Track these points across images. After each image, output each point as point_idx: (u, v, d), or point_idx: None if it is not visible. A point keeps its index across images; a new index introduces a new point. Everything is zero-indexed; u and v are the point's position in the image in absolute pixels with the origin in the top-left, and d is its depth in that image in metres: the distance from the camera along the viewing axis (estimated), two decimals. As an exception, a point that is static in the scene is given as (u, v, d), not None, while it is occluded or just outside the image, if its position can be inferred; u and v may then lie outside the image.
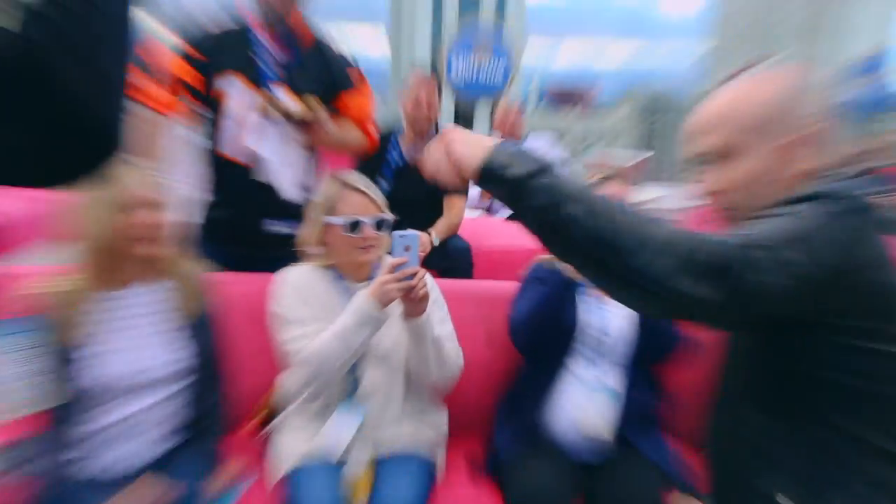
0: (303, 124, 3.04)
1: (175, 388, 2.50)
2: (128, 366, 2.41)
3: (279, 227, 3.16)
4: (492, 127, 6.19)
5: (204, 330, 2.57)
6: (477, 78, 7.55)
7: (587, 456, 2.64)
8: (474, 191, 5.33)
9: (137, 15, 1.07)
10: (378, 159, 3.99)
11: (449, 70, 7.46)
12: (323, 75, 3.18)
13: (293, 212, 3.02)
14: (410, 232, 2.34)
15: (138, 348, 2.45)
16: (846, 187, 1.45)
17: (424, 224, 3.92)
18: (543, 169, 1.36)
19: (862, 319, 1.43)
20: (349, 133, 3.25)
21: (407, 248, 2.31)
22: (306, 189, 3.19)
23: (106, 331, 2.41)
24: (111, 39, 1.04)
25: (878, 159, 6.59)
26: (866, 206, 1.43)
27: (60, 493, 2.22)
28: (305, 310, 2.54)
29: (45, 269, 2.72)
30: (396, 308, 2.45)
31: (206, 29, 3.14)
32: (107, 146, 1.09)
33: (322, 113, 3.04)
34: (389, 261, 2.32)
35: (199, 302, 2.53)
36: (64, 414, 2.34)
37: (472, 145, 1.45)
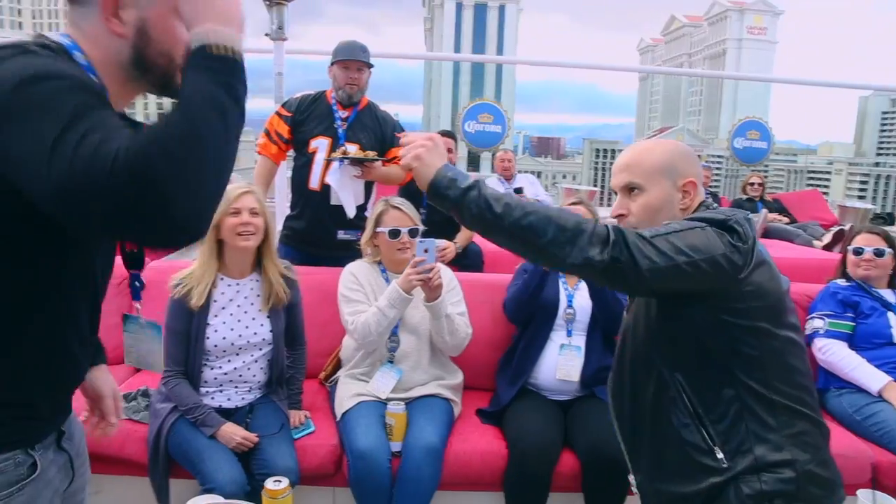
0: (362, 166, 3.16)
1: (268, 350, 2.46)
2: (233, 333, 2.39)
3: (346, 236, 3.24)
4: (493, 167, 6.20)
5: (289, 309, 2.51)
6: (482, 134, 7.54)
7: (562, 397, 2.61)
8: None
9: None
10: (418, 191, 3.99)
11: (463, 129, 7.47)
12: (375, 128, 3.32)
13: (355, 225, 3.19)
14: (429, 239, 2.40)
15: (241, 321, 2.40)
16: (718, 214, 1.42)
17: (450, 236, 4.03)
18: (473, 186, 1.33)
19: (728, 301, 1.38)
20: (393, 171, 3.32)
21: (426, 250, 2.36)
22: (363, 209, 3.32)
23: (221, 306, 2.40)
24: (221, 170, 0.88)
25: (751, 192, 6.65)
26: (729, 225, 1.37)
27: (196, 416, 2.28)
28: (359, 293, 2.60)
29: (182, 263, 2.74)
30: (421, 293, 2.49)
31: (302, 100, 3.36)
32: (194, 237, 0.88)
33: (375, 159, 3.18)
34: (414, 259, 2.39)
35: (286, 288, 2.47)
36: (193, 364, 2.36)
37: (426, 166, 1.39)
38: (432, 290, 2.43)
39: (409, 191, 4.00)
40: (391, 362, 2.55)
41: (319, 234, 3.26)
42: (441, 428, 2.38)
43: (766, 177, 7.24)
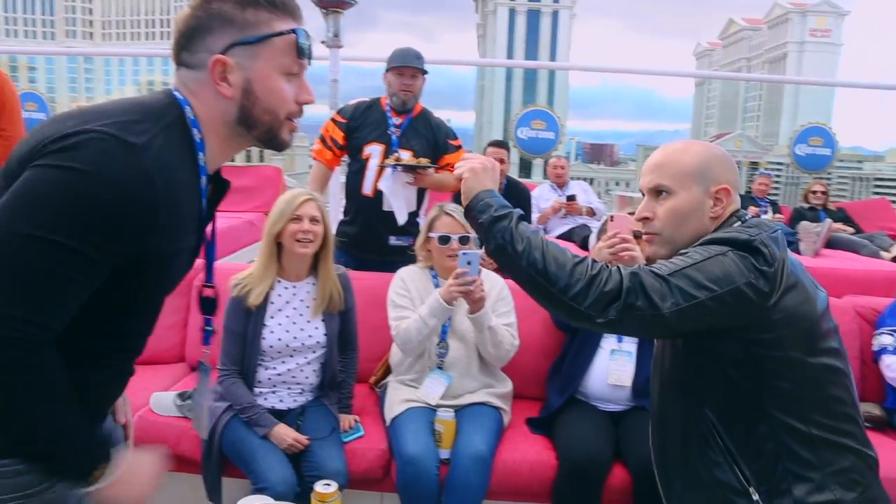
0: (414, 172, 3.18)
1: (322, 353, 2.49)
2: (288, 335, 2.42)
3: (398, 242, 3.27)
4: (544, 174, 6.10)
5: (343, 313, 2.54)
6: (535, 140, 7.48)
7: (613, 407, 2.56)
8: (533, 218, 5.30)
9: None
10: None
11: (516, 135, 7.44)
12: (428, 135, 3.32)
13: (407, 231, 3.23)
14: (473, 251, 2.38)
15: (296, 323, 2.44)
16: (742, 233, 1.32)
17: None
18: (504, 216, 1.34)
19: (755, 332, 1.28)
20: (445, 178, 3.31)
21: (469, 263, 2.32)
22: (415, 216, 3.34)
23: (277, 308, 2.45)
24: None
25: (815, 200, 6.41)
26: (754, 246, 1.28)
27: (249, 416, 2.32)
28: (405, 299, 2.60)
29: (241, 266, 2.81)
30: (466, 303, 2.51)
31: (357, 107, 3.38)
32: None
33: (427, 166, 3.19)
34: (456, 270, 2.36)
35: (340, 293, 2.50)
36: (248, 364, 2.40)
37: (474, 182, 1.42)
38: (474, 303, 2.42)
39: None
40: (441, 369, 2.54)
41: (371, 239, 3.27)
42: (490, 436, 2.36)
43: (829, 185, 6.98)
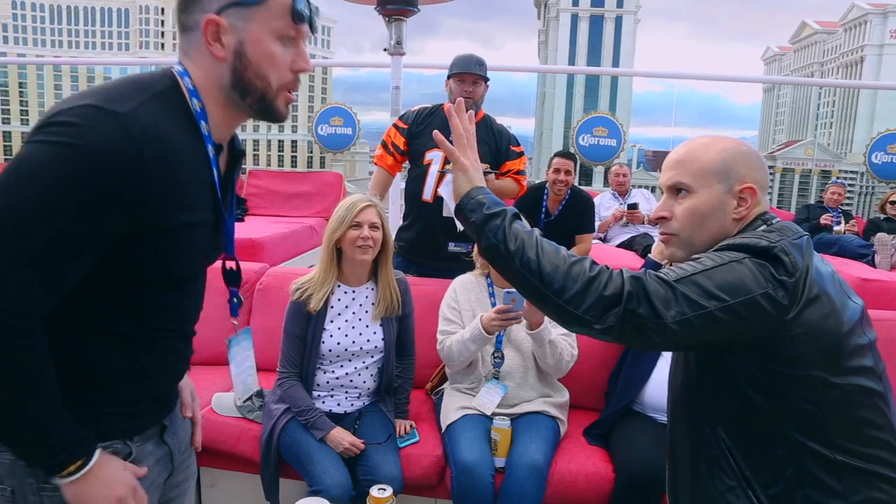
0: None
1: (379, 357, 2.51)
2: (347, 339, 2.45)
3: (456, 248, 3.28)
4: (605, 181, 6.03)
5: (401, 319, 2.55)
6: (596, 148, 7.39)
7: None
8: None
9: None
10: (537, 204, 4.32)
11: (577, 142, 7.37)
12: (490, 141, 3.31)
13: (466, 237, 3.17)
14: (515, 290, 2.28)
15: (355, 327, 2.46)
16: (761, 238, 1.21)
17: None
18: (496, 214, 1.27)
19: (773, 348, 1.17)
20: (507, 184, 3.36)
21: (513, 300, 2.31)
22: None
23: (337, 312, 2.47)
24: None
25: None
26: (773, 253, 1.17)
27: (307, 419, 2.34)
28: (454, 313, 2.61)
29: (302, 270, 2.91)
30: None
31: (419, 113, 3.40)
32: None
33: (488, 171, 3.13)
34: (498, 307, 2.36)
35: (399, 298, 2.52)
36: (307, 367, 2.44)
37: (461, 182, 1.36)
38: (532, 321, 2.40)
39: (525, 205, 4.06)
40: (496, 378, 2.52)
41: (430, 245, 3.29)
42: (546, 446, 2.33)
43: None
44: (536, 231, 1.24)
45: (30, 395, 1.02)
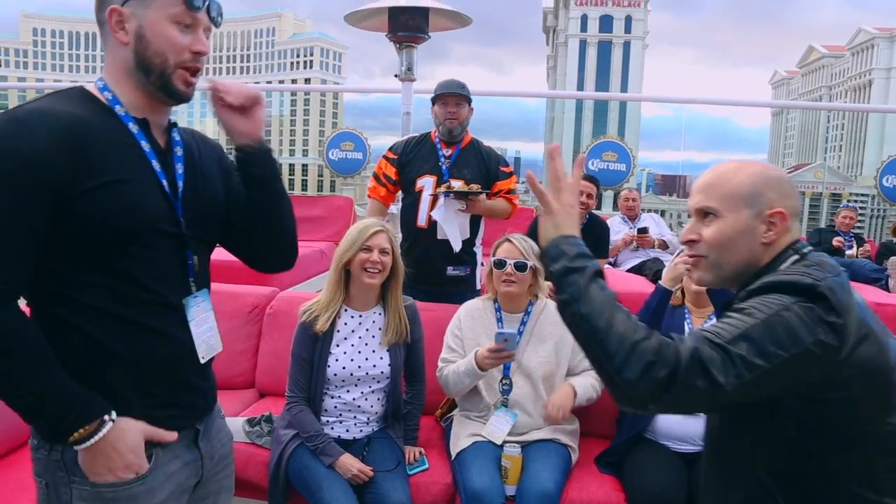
0: (466, 199, 3.19)
1: (386, 383, 2.48)
2: (353, 364, 2.43)
3: (455, 272, 3.31)
4: (614, 205, 6.02)
5: (410, 345, 2.54)
6: (606, 172, 7.43)
7: (685, 448, 2.44)
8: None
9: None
10: None
11: (586, 167, 7.41)
12: (479, 163, 3.36)
13: (464, 260, 3.32)
14: (510, 331, 2.33)
15: (361, 352, 2.45)
16: (804, 276, 1.17)
17: None
18: (576, 270, 1.21)
19: (822, 391, 1.13)
20: (498, 204, 3.38)
21: (505, 340, 2.27)
22: (470, 244, 3.36)
23: (343, 336, 2.46)
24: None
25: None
26: (819, 292, 1.12)
27: (316, 445, 2.32)
28: (457, 341, 2.60)
29: (311, 294, 2.85)
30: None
31: (408, 142, 3.48)
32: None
33: (479, 192, 3.20)
34: (490, 346, 2.33)
35: (407, 325, 2.50)
36: (315, 392, 2.42)
37: (548, 227, 1.29)
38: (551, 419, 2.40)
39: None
40: (505, 406, 2.49)
41: (429, 270, 3.27)
42: (557, 474, 2.30)
43: (921, 218, 6.61)
44: (612, 294, 1.19)
45: (16, 364, 1.14)
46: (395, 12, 4.62)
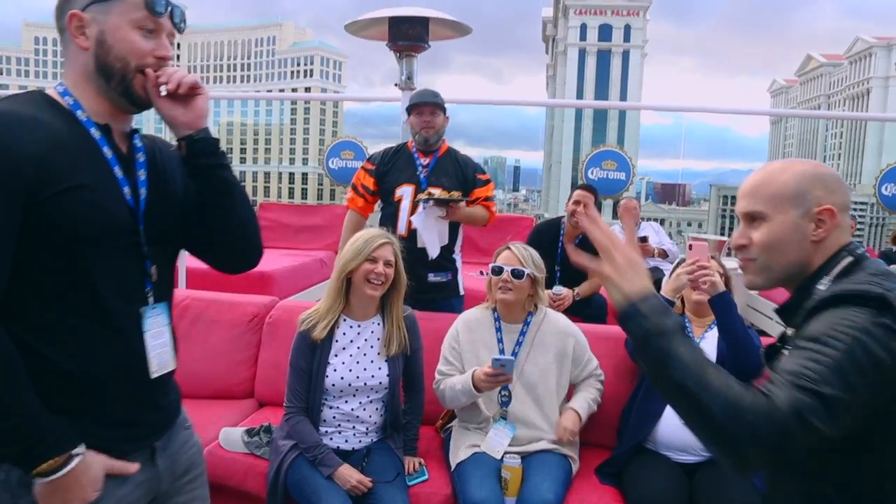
0: (447, 206, 3.20)
1: (384, 394, 2.47)
2: (351, 374, 2.41)
3: (436, 278, 3.33)
4: (613, 214, 6.02)
5: (409, 355, 2.52)
6: (605, 181, 7.44)
7: (686, 458, 2.42)
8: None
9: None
10: (553, 239, 4.32)
11: (586, 175, 7.44)
12: (456, 171, 3.39)
13: (444, 267, 3.35)
14: (506, 357, 2.35)
15: (359, 363, 2.43)
16: (872, 285, 1.13)
17: (579, 283, 4.12)
18: (660, 334, 1.13)
19: None
20: (477, 211, 3.40)
21: (502, 366, 2.27)
22: (449, 251, 3.39)
23: (342, 346, 2.44)
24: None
25: None
26: (885, 300, 1.09)
27: (315, 455, 2.30)
28: (455, 354, 2.58)
29: (309, 304, 2.85)
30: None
31: (385, 153, 3.50)
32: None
33: (459, 199, 3.22)
34: (487, 369, 2.31)
35: (406, 336, 2.49)
36: (313, 402, 2.40)
37: (614, 296, 1.20)
38: (568, 434, 2.42)
39: (542, 240, 4.19)
40: (504, 419, 2.48)
41: (410, 279, 3.27)
42: (557, 485, 2.28)
43: (920, 227, 6.61)
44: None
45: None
46: (395, 22, 4.64)
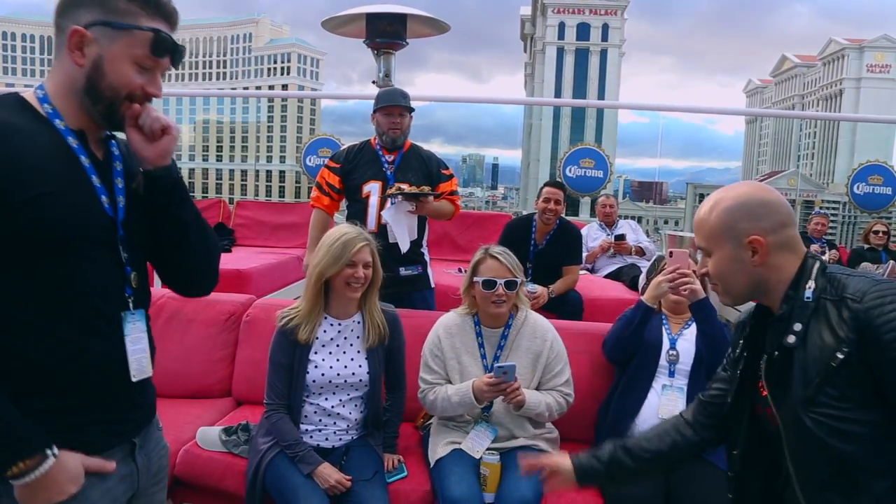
0: (416, 201, 3.24)
1: (365, 391, 2.47)
2: (332, 371, 2.41)
3: (408, 272, 3.38)
4: (591, 212, 6.07)
5: (391, 352, 2.53)
6: (583, 179, 7.49)
7: None
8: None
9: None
10: (525, 235, 4.32)
11: (564, 173, 7.49)
12: (421, 167, 3.45)
13: (414, 260, 3.41)
14: (508, 364, 2.33)
15: (339, 360, 2.43)
16: None
17: (553, 281, 4.15)
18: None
19: None
20: (443, 205, 3.46)
21: (504, 373, 2.29)
22: (418, 245, 3.44)
23: (321, 343, 2.44)
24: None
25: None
26: None
27: (295, 452, 2.29)
28: (437, 362, 2.54)
29: (286, 302, 2.86)
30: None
31: (349, 150, 3.53)
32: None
33: (429, 193, 3.27)
34: (488, 379, 2.32)
35: (385, 327, 2.49)
36: (294, 398, 2.40)
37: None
38: (514, 405, 2.37)
39: (513, 236, 4.19)
40: (486, 421, 2.48)
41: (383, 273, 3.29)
42: (536, 481, 2.21)
43: (891, 225, 6.76)
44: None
45: None
46: (372, 18, 4.64)
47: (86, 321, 1.24)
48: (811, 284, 1.34)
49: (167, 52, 1.25)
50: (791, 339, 1.33)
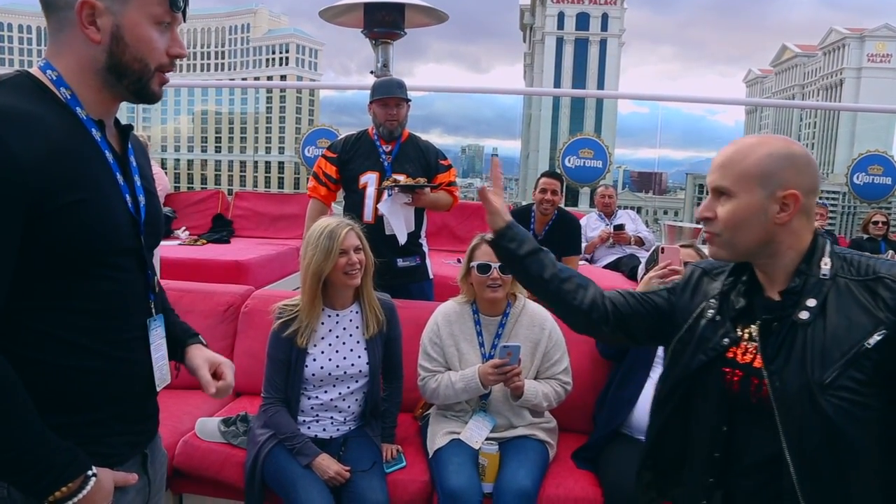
0: (412, 193, 3.23)
1: (364, 382, 2.47)
2: (331, 363, 2.41)
3: (405, 263, 3.36)
4: (591, 202, 6.07)
5: (388, 342, 2.52)
6: (582, 169, 7.48)
7: None
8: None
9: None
10: (524, 225, 4.17)
11: (563, 164, 7.47)
12: (419, 158, 3.41)
13: (412, 251, 3.39)
14: (513, 343, 2.35)
15: (339, 351, 2.43)
16: None
17: None
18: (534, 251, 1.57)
19: None
20: (441, 197, 3.44)
21: (509, 354, 2.29)
22: (416, 236, 3.42)
23: (320, 336, 2.43)
24: None
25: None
26: None
27: (293, 444, 2.30)
28: (436, 349, 2.55)
29: (285, 293, 2.89)
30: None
31: (346, 140, 3.50)
32: None
33: (425, 185, 3.26)
34: (494, 361, 2.33)
35: (382, 315, 2.49)
36: (292, 392, 2.40)
37: (494, 215, 1.65)
38: (513, 391, 2.37)
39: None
40: (484, 411, 2.48)
41: (379, 265, 3.27)
42: (535, 471, 2.30)
43: (890, 215, 6.75)
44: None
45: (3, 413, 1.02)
46: (370, 8, 4.61)
47: (117, 331, 1.18)
48: (826, 261, 1.29)
49: (185, 4, 1.16)
50: (804, 314, 1.27)
